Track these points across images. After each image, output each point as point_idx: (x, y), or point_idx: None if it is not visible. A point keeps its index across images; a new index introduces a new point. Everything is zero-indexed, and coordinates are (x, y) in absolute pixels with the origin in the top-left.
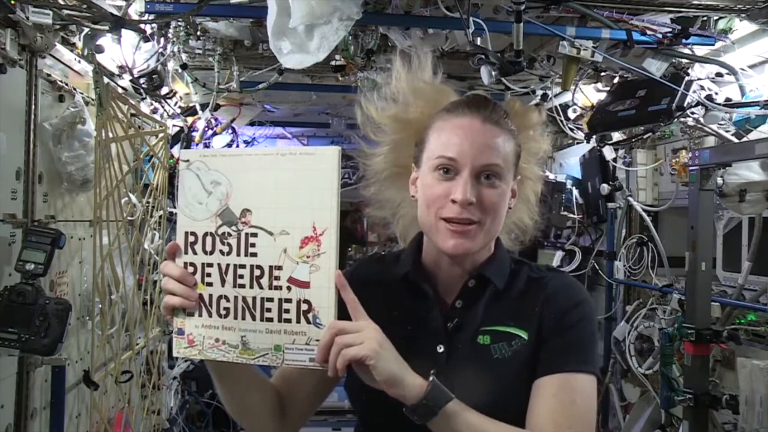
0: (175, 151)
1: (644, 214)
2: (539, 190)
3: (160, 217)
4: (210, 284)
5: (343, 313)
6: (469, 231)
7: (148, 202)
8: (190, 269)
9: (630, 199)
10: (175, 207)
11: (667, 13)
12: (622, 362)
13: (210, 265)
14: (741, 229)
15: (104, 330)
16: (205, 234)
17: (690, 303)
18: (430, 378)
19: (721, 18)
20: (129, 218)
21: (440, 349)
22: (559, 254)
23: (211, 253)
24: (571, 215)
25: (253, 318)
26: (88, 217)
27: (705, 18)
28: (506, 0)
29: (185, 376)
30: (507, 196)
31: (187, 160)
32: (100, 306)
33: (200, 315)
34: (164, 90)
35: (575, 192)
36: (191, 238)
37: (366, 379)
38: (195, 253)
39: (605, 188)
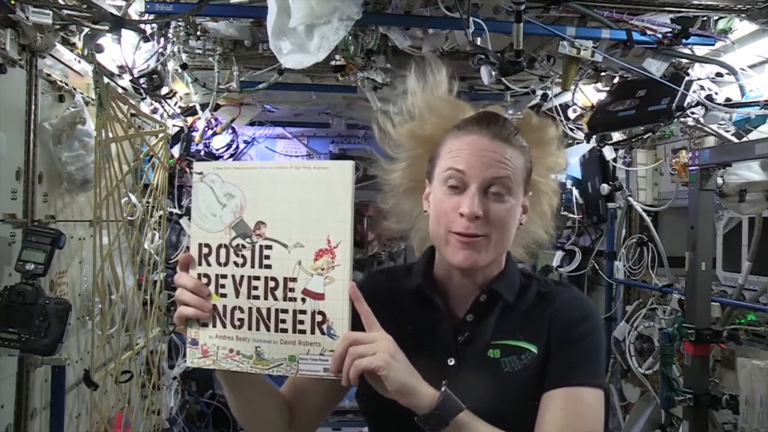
0: (175, 151)
1: (644, 214)
2: (555, 204)
3: (160, 217)
4: (224, 295)
5: (357, 324)
6: (476, 243)
7: (148, 202)
8: (204, 280)
9: (630, 199)
10: (175, 207)
11: (667, 13)
12: (622, 362)
13: (224, 276)
14: (741, 229)
15: (104, 330)
16: (219, 245)
17: (690, 303)
18: (443, 388)
19: (721, 18)
20: (129, 218)
21: (451, 362)
22: (559, 254)
23: (225, 264)
24: (571, 215)
25: (268, 329)
26: (88, 217)
27: (705, 18)
28: (506, 0)
29: (185, 376)
30: (516, 211)
31: (201, 173)
32: (100, 306)
33: (214, 326)
34: (164, 90)
35: (575, 192)
36: (205, 250)
37: (379, 389)
38: (209, 264)
39: (605, 188)
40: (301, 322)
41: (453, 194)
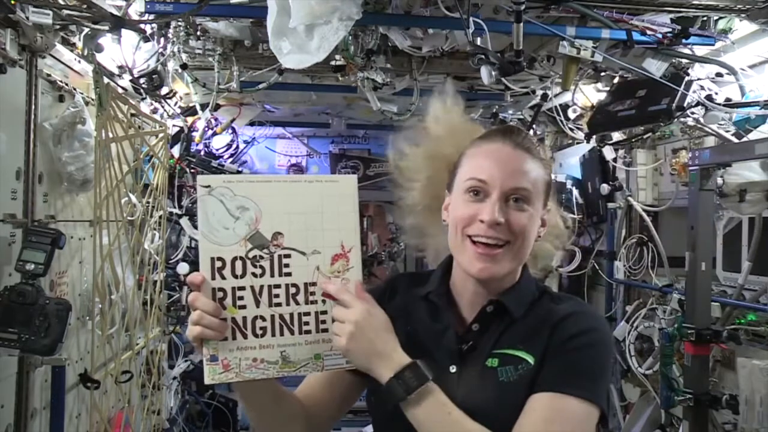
0: (175, 151)
1: (644, 214)
2: (560, 222)
3: (160, 217)
4: (243, 307)
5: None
6: (496, 255)
7: (148, 202)
8: (220, 294)
9: (630, 199)
10: (174, 207)
11: (667, 13)
12: (622, 362)
13: (242, 288)
14: (741, 229)
15: (104, 330)
16: (234, 258)
17: (690, 303)
18: (417, 361)
19: (721, 18)
20: (129, 218)
21: (452, 369)
22: (559, 254)
23: (242, 276)
24: (571, 215)
25: (292, 333)
26: (88, 217)
27: (705, 18)
28: (506, 0)
29: (185, 376)
30: (536, 221)
31: (209, 186)
32: (100, 306)
33: (234, 338)
34: (164, 90)
35: (575, 192)
36: (218, 264)
37: None
38: (223, 278)
39: (605, 188)
40: (323, 322)
41: (474, 202)
